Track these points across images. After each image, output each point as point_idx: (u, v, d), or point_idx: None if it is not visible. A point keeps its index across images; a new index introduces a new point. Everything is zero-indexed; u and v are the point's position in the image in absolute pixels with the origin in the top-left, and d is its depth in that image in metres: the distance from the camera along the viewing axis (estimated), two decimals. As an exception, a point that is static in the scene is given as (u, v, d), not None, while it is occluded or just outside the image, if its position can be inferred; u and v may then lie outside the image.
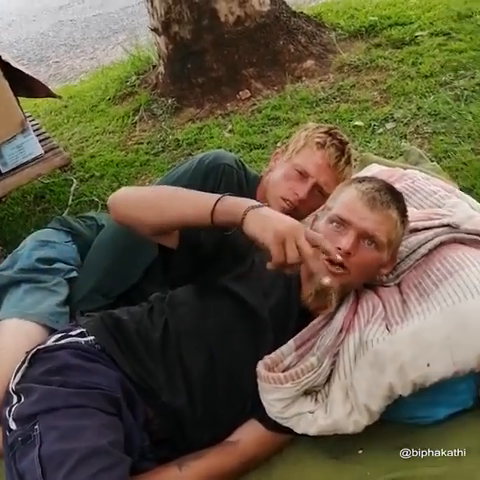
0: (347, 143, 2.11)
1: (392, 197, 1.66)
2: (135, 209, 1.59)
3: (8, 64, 2.90)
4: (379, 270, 1.69)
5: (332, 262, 1.56)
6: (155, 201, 1.58)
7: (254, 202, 1.48)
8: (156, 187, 1.69)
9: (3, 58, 2.88)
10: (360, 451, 1.63)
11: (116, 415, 1.53)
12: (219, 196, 1.50)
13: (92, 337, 1.65)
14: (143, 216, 1.57)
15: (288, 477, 1.62)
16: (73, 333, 1.67)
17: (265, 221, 1.42)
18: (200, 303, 1.71)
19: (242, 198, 1.50)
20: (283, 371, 1.58)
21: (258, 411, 1.61)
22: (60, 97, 3.61)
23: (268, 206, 2.01)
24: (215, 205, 1.47)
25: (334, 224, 1.63)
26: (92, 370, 1.58)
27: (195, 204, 1.53)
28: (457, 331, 1.53)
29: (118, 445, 1.47)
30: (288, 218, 1.45)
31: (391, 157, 2.96)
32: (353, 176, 2.26)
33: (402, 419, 1.66)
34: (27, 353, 1.65)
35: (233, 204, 1.48)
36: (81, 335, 1.66)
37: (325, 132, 2.08)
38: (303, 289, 1.66)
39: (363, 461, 1.61)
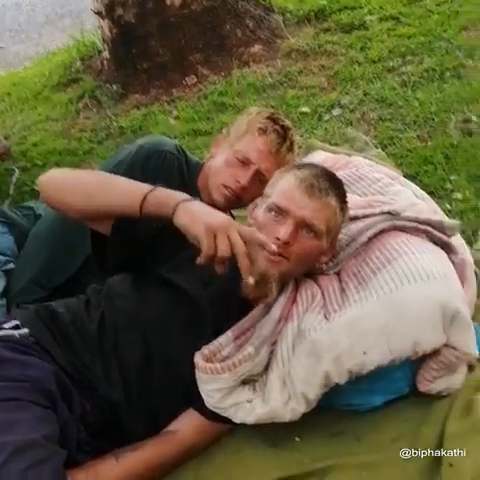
0: (290, 129, 2.12)
1: (331, 184, 1.68)
2: (62, 192, 1.58)
3: None
4: (319, 258, 1.72)
5: (273, 252, 1.57)
6: (83, 186, 1.57)
7: (186, 195, 1.49)
8: (87, 171, 1.67)
9: None
10: (297, 438, 1.66)
11: (51, 408, 1.53)
12: (151, 187, 1.50)
13: (26, 329, 1.65)
14: (71, 200, 1.57)
15: (227, 466, 1.65)
16: (7, 326, 1.66)
17: (196, 214, 1.43)
18: (137, 294, 1.71)
19: (174, 191, 1.51)
20: (221, 361, 1.60)
21: (196, 401, 1.63)
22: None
23: (210, 194, 2.04)
24: (146, 195, 1.48)
25: (273, 213, 1.64)
26: (26, 363, 1.57)
27: (125, 192, 1.53)
28: (393, 319, 1.56)
29: (53, 438, 1.47)
30: (220, 213, 1.47)
31: (337, 144, 3.00)
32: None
33: (339, 406, 1.70)
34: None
35: (165, 196, 1.49)
36: (15, 327, 1.65)
37: (267, 117, 2.09)
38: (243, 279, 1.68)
39: (300, 448, 1.64)
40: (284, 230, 1.60)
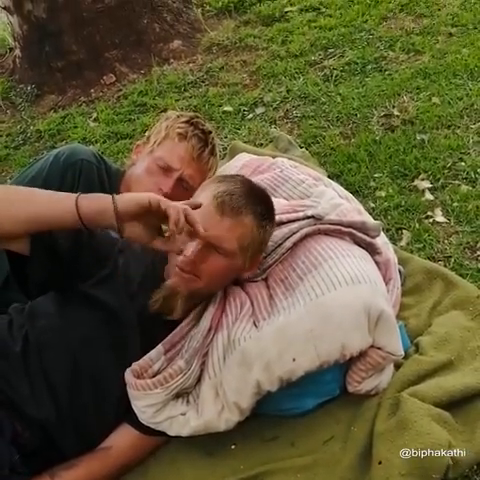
0: (210, 132, 2.18)
1: (247, 200, 1.71)
2: None
3: None
4: (240, 275, 1.80)
5: (181, 268, 1.66)
6: (5, 205, 1.52)
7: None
8: (6, 187, 1.64)
9: None
10: (233, 446, 1.77)
11: None
12: (75, 195, 1.50)
13: None
14: None
15: (163, 477, 1.73)
16: None
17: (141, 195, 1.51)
18: (60, 312, 1.76)
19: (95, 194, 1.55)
20: (152, 377, 1.68)
21: (130, 416, 1.71)
22: None
23: None
24: (77, 205, 1.47)
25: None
26: None
27: (54, 206, 1.51)
28: (320, 324, 1.67)
29: None
30: None
31: (261, 144, 3.10)
32: (221, 167, 2.36)
33: (272, 411, 1.80)
34: None
35: (96, 198, 1.51)
36: None
37: (186, 122, 2.15)
38: (154, 294, 1.71)
39: (236, 455, 1.75)
40: (191, 249, 1.64)
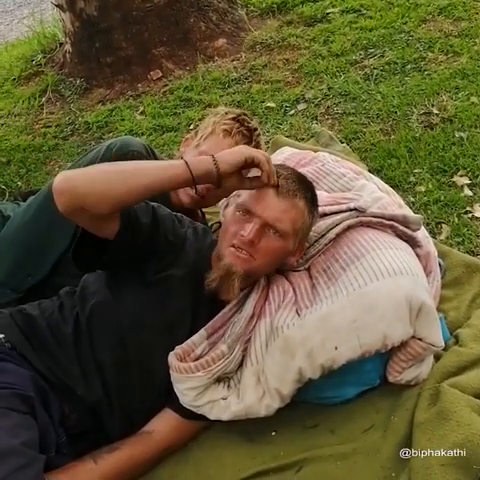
0: (255, 129, 2.14)
1: (300, 186, 1.70)
2: (94, 184, 1.50)
3: None
4: (287, 258, 1.75)
5: (238, 247, 1.63)
6: (118, 172, 1.54)
7: None
8: (112, 164, 1.62)
9: None
10: (273, 433, 1.72)
11: (29, 414, 1.54)
12: (181, 160, 1.58)
13: (2, 335, 1.66)
14: (106, 188, 1.50)
15: (204, 461, 1.69)
16: None
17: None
18: (113, 295, 1.72)
19: None
20: (195, 360, 1.64)
21: (172, 400, 1.67)
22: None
23: (177, 194, 2.07)
24: (189, 167, 1.54)
25: (241, 212, 1.67)
26: (3, 370, 1.59)
27: (163, 167, 1.59)
28: (362, 314, 1.61)
29: (32, 444, 1.49)
30: None
31: (302, 139, 3.05)
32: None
33: (312, 400, 1.75)
34: None
35: (200, 161, 1.60)
36: None
37: (233, 118, 2.11)
38: (210, 274, 1.68)
39: (276, 442, 1.70)
40: (249, 229, 1.62)
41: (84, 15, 4.07)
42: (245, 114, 2.18)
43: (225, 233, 1.68)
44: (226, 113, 2.15)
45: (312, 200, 1.74)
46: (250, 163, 1.60)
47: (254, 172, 1.65)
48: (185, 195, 2.04)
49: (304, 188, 1.72)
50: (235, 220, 1.67)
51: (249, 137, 2.09)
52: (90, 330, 1.69)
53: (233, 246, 1.63)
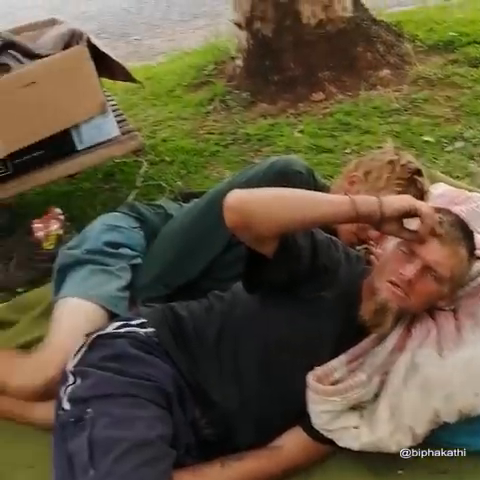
0: (426, 192, 2.02)
1: (463, 234, 1.64)
2: (268, 207, 1.50)
3: (95, 46, 2.94)
4: (437, 302, 1.68)
5: (395, 284, 1.57)
6: (290, 199, 1.53)
7: None
8: (291, 191, 1.60)
9: (92, 41, 2.92)
10: (400, 471, 1.63)
11: (167, 409, 1.54)
12: (346, 196, 1.53)
13: (152, 329, 1.67)
14: (278, 213, 1.50)
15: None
16: (133, 323, 1.69)
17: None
18: (261, 308, 1.69)
19: None
20: (332, 384, 1.58)
21: (305, 420, 1.62)
22: (141, 83, 3.62)
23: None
24: (356, 205, 1.49)
25: (403, 251, 1.61)
26: (148, 362, 1.60)
27: (329, 201, 1.55)
28: (509, 364, 1.50)
29: (166, 439, 1.49)
30: None
31: (457, 177, 2.92)
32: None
33: (444, 443, 1.65)
34: (87, 336, 1.69)
35: (366, 200, 1.53)
36: (141, 326, 1.68)
37: (407, 179, 1.99)
38: (363, 306, 1.64)
39: (402, 481, 1.61)
40: (410, 269, 1.57)
41: (259, 35, 4.13)
42: (420, 172, 2.03)
43: (383, 268, 1.63)
44: (402, 166, 2.01)
45: (472, 248, 1.66)
46: (413, 214, 1.53)
47: (413, 223, 1.57)
48: (347, 233, 1.97)
49: (467, 236, 1.65)
50: (396, 257, 1.61)
51: (419, 198, 1.97)
52: (234, 338, 1.66)
53: (391, 282, 1.58)
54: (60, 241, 2.67)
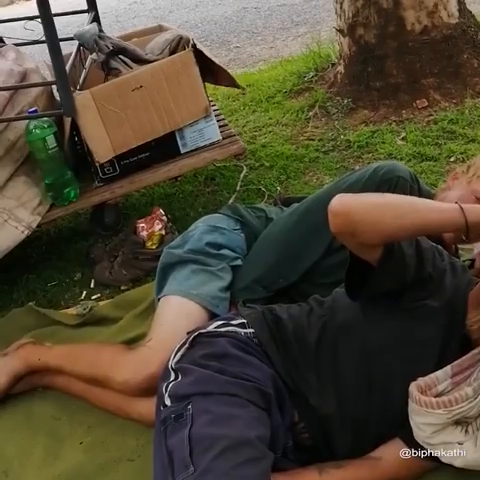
0: None
1: None
2: (376, 214, 1.44)
3: (201, 52, 2.97)
4: None
5: None
6: (398, 206, 1.46)
7: None
8: (377, 194, 1.56)
9: (198, 47, 2.96)
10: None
11: (266, 410, 1.52)
12: (454, 204, 1.45)
13: (252, 330, 1.66)
14: (386, 221, 1.43)
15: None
16: (234, 323, 1.69)
17: None
18: (364, 315, 1.65)
19: None
20: (436, 396, 1.51)
21: (406, 432, 1.55)
22: (244, 89, 3.63)
23: None
24: (465, 213, 1.40)
25: None
26: (249, 362, 1.58)
27: (438, 208, 1.46)
28: None
29: (264, 440, 1.46)
30: None
31: None
32: None
33: None
34: (188, 334, 1.69)
35: (475, 209, 1.44)
36: (241, 326, 1.68)
37: None
38: (469, 316, 1.57)
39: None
40: None
41: (362, 41, 4.05)
42: None
43: None
44: None
45: None
46: None
47: None
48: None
49: None
50: None
51: None
52: (335, 342, 1.63)
53: None
54: (162, 241, 2.71)
